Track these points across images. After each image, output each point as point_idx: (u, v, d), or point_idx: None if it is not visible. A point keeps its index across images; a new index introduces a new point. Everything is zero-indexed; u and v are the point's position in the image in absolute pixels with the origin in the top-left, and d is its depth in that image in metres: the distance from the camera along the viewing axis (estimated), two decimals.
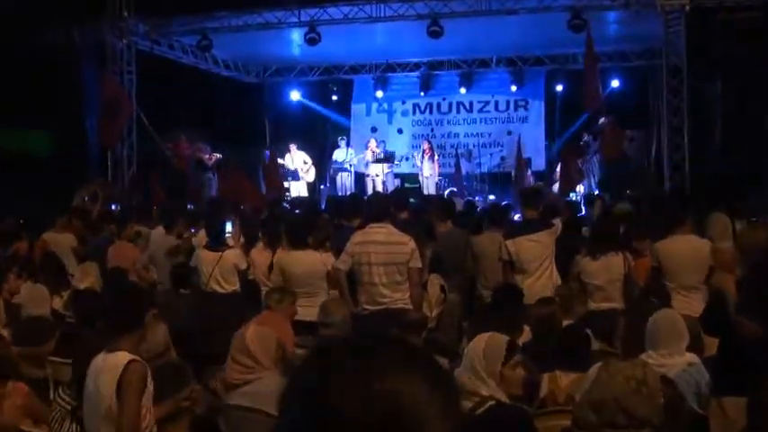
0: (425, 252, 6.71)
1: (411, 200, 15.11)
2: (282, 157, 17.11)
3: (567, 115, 17.28)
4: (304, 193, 17.10)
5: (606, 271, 6.49)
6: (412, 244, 6.19)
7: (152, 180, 14.05)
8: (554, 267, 6.83)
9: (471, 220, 8.82)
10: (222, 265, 7.22)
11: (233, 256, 7.35)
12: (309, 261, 6.80)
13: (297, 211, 10.86)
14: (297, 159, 17.20)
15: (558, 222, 7.24)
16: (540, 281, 6.71)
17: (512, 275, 6.79)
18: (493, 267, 7.20)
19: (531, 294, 6.34)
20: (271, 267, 7.31)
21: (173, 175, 15.73)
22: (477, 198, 15.89)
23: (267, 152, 15.79)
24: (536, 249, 6.78)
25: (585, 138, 16.26)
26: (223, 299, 7.14)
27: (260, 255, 7.70)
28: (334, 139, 18.56)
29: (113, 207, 13.55)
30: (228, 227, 7.85)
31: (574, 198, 14.36)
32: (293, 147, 17.30)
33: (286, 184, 16.70)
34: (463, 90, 18.46)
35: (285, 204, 14.19)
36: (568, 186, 14.11)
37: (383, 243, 6.18)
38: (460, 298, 7.30)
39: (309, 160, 17.34)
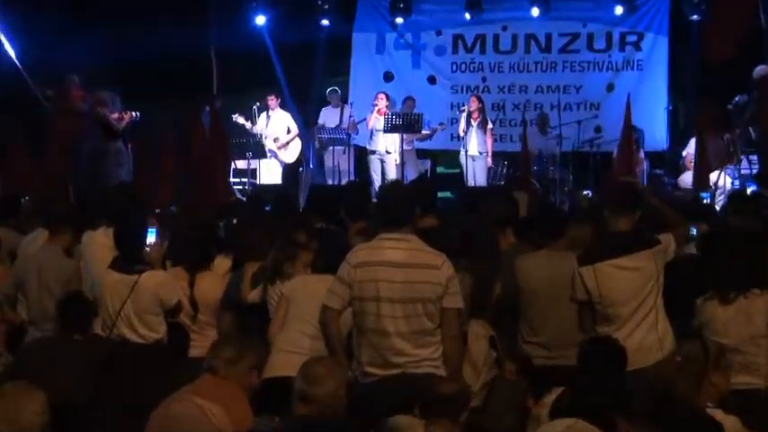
0: (464, 281, 6.72)
1: (448, 194, 15.37)
2: (250, 119, 17.25)
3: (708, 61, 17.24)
4: (277, 178, 17.30)
5: (744, 321, 6.46)
6: (448, 268, 6.15)
7: (14, 152, 14.11)
8: (661, 312, 6.74)
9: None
10: (138, 297, 7.27)
11: (155, 282, 7.41)
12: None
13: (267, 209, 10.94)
14: (277, 124, 17.35)
15: (668, 237, 7.12)
16: (638, 333, 6.61)
17: (592, 325, 6.75)
18: (551, 310, 7.07)
19: None
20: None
21: (55, 144, 15.79)
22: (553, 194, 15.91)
23: (208, 108, 15.70)
24: (631, 282, 6.67)
25: (738, 99, 16.21)
26: (138, 352, 7.19)
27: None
28: (322, 91, 18.64)
29: None
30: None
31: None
32: (274, 100, 17.46)
33: (253, 164, 16.82)
34: (536, 12, 18.43)
35: (241, 197, 14.25)
36: (706, 176, 14.00)
37: (401, 265, 6.11)
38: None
39: (295, 128, 17.52)
